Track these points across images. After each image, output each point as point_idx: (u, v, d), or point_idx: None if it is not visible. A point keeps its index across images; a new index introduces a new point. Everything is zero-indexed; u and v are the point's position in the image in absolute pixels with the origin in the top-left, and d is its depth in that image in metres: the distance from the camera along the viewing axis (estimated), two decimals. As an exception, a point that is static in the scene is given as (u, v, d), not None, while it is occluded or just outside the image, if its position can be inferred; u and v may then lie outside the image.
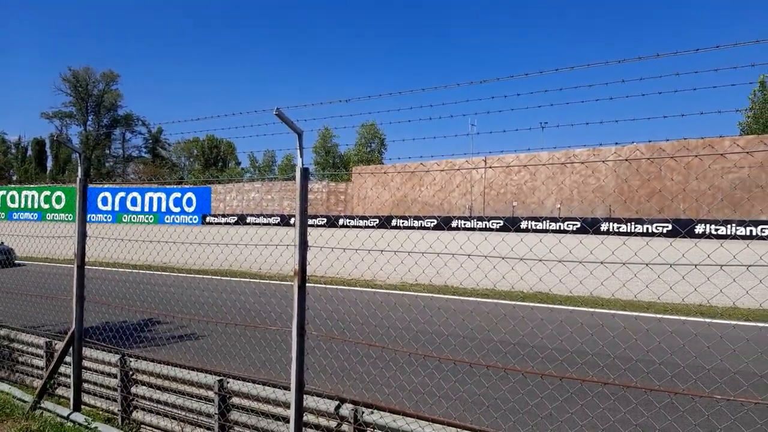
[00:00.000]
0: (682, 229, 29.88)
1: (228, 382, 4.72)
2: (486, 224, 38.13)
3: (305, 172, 4.14)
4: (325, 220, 42.39)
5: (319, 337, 5.20)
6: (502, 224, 37.37)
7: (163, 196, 58.40)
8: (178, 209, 57.86)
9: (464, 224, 39.46)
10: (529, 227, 36.55)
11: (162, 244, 6.22)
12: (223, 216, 54.45)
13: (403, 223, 42.50)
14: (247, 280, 14.96)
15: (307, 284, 4.16)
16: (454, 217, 41.88)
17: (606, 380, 3.83)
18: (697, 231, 30.00)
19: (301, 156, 4.15)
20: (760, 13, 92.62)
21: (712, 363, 5.88)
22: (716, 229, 29.90)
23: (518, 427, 5.05)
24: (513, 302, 11.36)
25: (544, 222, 36.42)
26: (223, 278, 15.56)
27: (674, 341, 7.12)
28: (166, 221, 56.41)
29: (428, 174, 45.87)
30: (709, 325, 8.37)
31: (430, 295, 12.39)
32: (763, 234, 28.98)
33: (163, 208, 58.22)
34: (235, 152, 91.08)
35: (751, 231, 29.52)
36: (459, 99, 3.97)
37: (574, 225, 34.67)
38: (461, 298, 12.07)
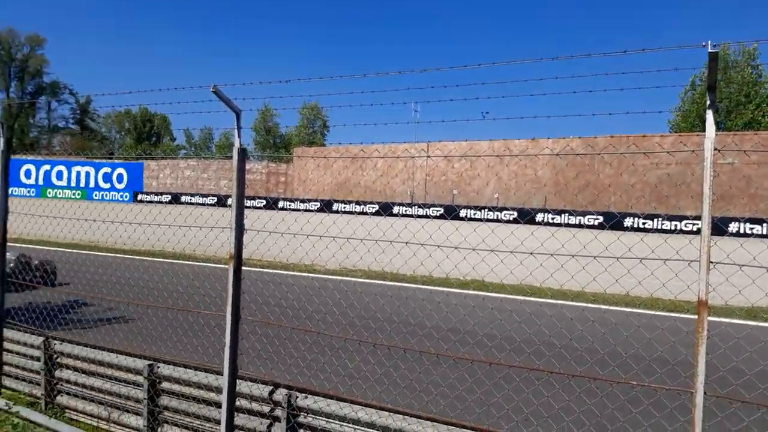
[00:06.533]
0: (611, 222, 31.43)
1: (158, 367, 4.63)
2: (426, 212, 38.72)
3: (243, 153, 4.02)
4: (264, 201, 41.63)
5: (254, 322, 5.16)
6: (441, 212, 38.06)
7: (91, 170, 55.44)
8: (107, 185, 55.18)
9: (405, 211, 39.99)
10: (468, 216, 37.38)
11: (90, 222, 5.96)
12: (157, 194, 52.20)
13: (344, 207, 42.38)
14: (181, 262, 14.56)
15: (243, 268, 4.12)
16: (396, 203, 42.20)
17: (532, 366, 4.04)
18: (626, 224, 31.71)
19: (239, 136, 4.02)
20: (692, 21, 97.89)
21: (629, 351, 6.28)
22: (643, 223, 31.65)
23: (447, 410, 5.24)
24: (448, 289, 11.66)
25: (483, 211, 37.31)
26: (155, 259, 15.06)
27: (596, 329, 7.55)
28: (95, 197, 53.64)
29: (370, 159, 45.91)
30: (627, 315, 8.93)
31: (369, 281, 12.50)
32: (686, 228, 30.61)
33: (92, 184, 55.37)
34: (170, 127, 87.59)
35: (675, 225, 31.34)
36: (400, 86, 4.03)
37: (510, 215, 35.73)
38: (398, 284, 12.26)
